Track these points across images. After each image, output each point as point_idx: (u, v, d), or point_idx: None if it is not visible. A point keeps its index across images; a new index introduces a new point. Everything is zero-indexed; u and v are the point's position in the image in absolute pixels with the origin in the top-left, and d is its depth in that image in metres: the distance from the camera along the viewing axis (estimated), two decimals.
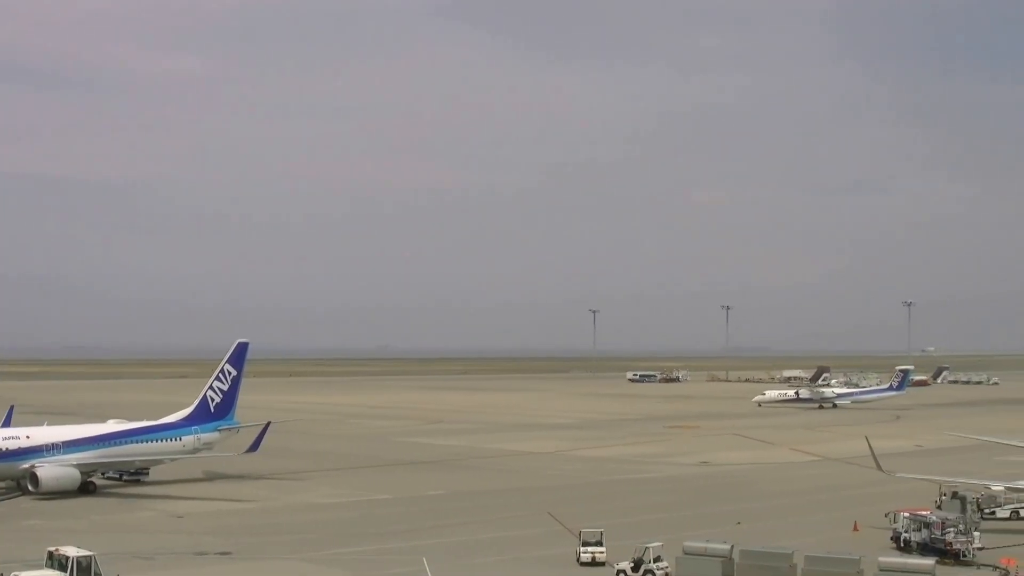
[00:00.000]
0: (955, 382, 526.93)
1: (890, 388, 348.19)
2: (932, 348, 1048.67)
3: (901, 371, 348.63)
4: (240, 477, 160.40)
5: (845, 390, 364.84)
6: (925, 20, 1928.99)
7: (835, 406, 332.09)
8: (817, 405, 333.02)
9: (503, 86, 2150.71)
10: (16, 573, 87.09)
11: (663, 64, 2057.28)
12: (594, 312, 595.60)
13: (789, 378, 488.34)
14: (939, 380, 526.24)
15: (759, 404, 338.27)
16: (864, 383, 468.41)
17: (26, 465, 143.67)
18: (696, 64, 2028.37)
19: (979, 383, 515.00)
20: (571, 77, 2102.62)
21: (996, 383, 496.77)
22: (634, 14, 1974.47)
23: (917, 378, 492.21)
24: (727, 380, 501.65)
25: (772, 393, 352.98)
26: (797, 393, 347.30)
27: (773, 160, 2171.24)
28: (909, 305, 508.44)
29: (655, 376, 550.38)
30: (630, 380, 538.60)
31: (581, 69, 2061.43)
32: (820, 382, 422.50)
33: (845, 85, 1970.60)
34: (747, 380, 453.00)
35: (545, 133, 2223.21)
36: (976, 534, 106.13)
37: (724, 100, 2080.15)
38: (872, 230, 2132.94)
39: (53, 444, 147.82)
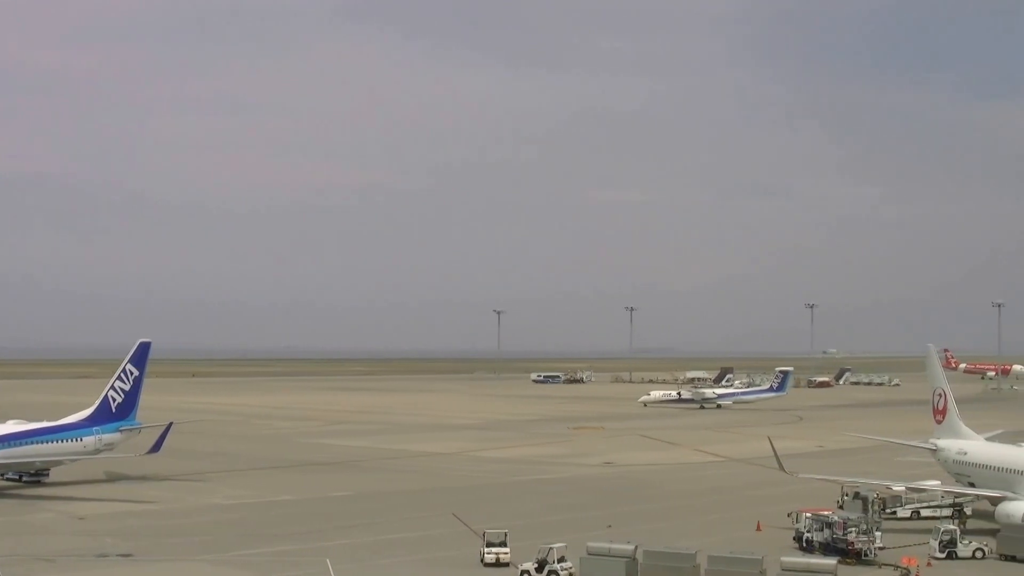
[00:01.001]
0: (857, 383, 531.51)
1: (771, 389, 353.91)
2: (834, 350, 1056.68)
3: (781, 372, 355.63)
4: (142, 478, 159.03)
5: (726, 391, 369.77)
6: (827, 24, 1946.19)
7: (719, 407, 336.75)
8: (699, 405, 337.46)
9: (408, 87, 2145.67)
10: None
11: (568, 66, 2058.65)
12: (498, 313, 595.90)
13: (693, 379, 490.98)
14: (841, 381, 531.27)
15: (645, 404, 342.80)
16: (767, 383, 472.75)
17: None
18: (600, 66, 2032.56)
19: (881, 384, 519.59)
20: (476, 78, 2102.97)
21: (898, 384, 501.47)
22: (538, 16, 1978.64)
23: (819, 379, 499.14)
24: (631, 381, 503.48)
25: (656, 393, 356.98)
26: (679, 394, 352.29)
27: (677, 162, 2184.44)
28: (812, 307, 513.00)
29: (559, 377, 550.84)
30: (534, 381, 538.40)
31: (486, 70, 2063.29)
32: (724, 382, 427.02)
33: (748, 88, 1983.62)
34: (651, 381, 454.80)
35: (449, 133, 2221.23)
36: (878, 534, 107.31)
37: (628, 102, 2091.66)
38: (776, 232, 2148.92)
39: None
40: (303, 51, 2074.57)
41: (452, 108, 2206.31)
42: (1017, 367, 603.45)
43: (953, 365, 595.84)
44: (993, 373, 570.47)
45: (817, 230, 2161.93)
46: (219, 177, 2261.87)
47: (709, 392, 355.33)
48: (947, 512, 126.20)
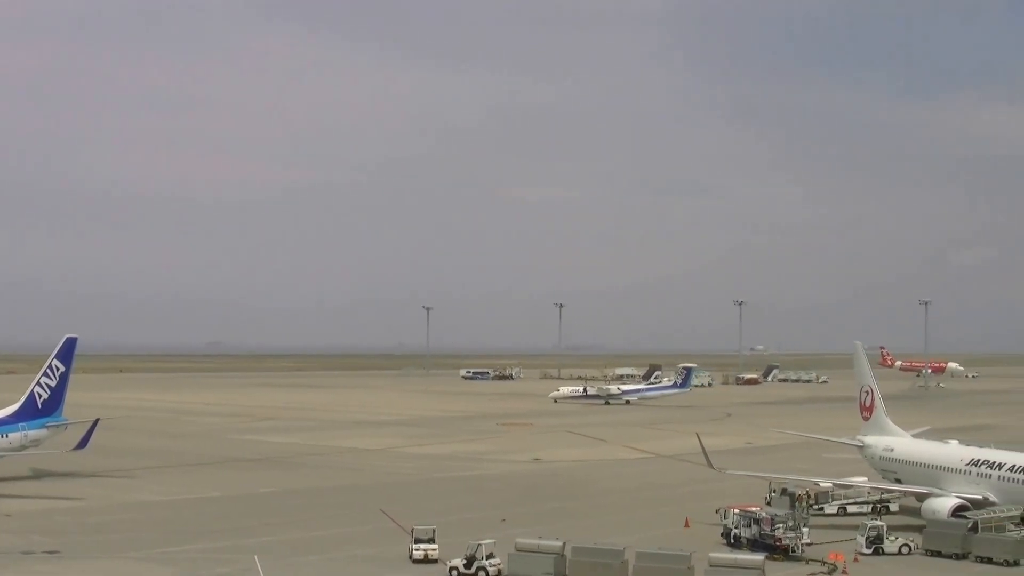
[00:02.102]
0: (785, 380, 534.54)
1: (674, 386, 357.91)
2: (761, 347, 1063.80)
3: (684, 369, 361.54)
4: (69, 475, 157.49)
5: (631, 387, 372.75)
6: (757, 23, 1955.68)
7: (628, 403, 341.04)
8: (604, 401, 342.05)
9: (329, 83, 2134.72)
10: None
11: (496, 62, 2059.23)
12: (428, 309, 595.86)
13: (621, 376, 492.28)
14: (769, 378, 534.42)
15: (555, 400, 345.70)
16: (696, 380, 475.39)
17: None
18: (528, 63, 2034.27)
19: (808, 381, 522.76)
20: (401, 74, 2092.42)
21: (826, 381, 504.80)
22: (465, 12, 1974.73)
23: (747, 376, 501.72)
24: (560, 378, 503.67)
25: (565, 390, 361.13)
26: (584, 390, 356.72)
27: (608, 160, 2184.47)
28: (740, 304, 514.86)
29: (488, 373, 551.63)
30: (463, 377, 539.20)
31: (411, 66, 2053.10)
32: (652, 379, 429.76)
33: (678, 87, 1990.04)
34: (579, 378, 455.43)
35: (375, 130, 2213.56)
36: (805, 530, 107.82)
37: (559, 99, 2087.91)
38: (705, 231, 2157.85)
39: None
40: (220, 47, 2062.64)
41: (378, 105, 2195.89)
42: (952, 365, 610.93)
43: (889, 363, 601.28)
44: (929, 371, 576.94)
45: (746, 229, 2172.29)
46: (146, 174, 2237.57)
47: (614, 388, 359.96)
48: (874, 508, 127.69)
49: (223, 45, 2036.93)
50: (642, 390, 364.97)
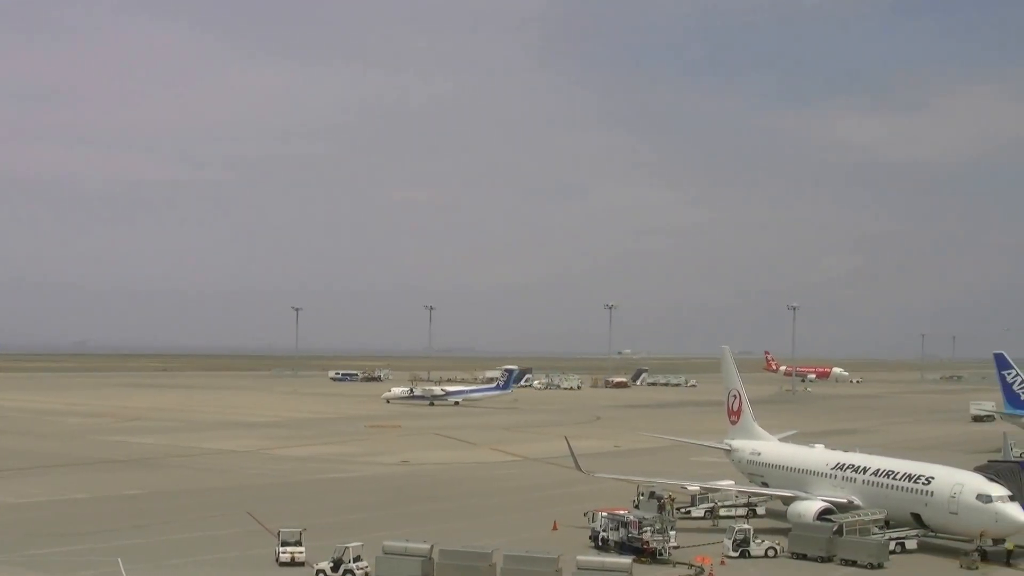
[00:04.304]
0: (654, 384, 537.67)
1: (497, 387, 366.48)
2: (628, 350, 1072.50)
3: (506, 370, 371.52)
4: None
5: (456, 388, 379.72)
6: (637, 29, 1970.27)
7: (457, 404, 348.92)
8: (429, 402, 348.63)
9: (203, 80, 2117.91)
10: None
11: (371, 62, 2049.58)
12: (297, 310, 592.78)
13: (491, 379, 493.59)
14: (638, 382, 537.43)
15: (387, 400, 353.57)
16: (566, 383, 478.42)
17: None
18: (405, 63, 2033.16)
19: (677, 385, 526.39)
20: (274, 72, 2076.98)
21: (694, 385, 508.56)
22: (340, 11, 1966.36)
23: (616, 379, 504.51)
24: (429, 380, 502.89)
25: (397, 391, 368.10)
26: (411, 391, 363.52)
27: (480, 162, 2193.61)
28: (610, 308, 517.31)
29: (357, 375, 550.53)
30: (332, 379, 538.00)
31: (285, 65, 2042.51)
32: (523, 382, 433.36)
33: (556, 90, 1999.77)
34: (449, 380, 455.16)
35: (246, 127, 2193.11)
36: (672, 533, 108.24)
37: (432, 101, 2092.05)
38: (578, 234, 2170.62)
39: None
40: (91, 40, 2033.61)
41: (249, 102, 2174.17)
42: (837, 370, 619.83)
43: (774, 368, 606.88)
44: (814, 376, 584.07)
45: (619, 232, 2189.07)
46: (16, 167, 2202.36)
47: (438, 389, 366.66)
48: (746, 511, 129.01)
49: (94, 37, 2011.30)
50: (467, 391, 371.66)
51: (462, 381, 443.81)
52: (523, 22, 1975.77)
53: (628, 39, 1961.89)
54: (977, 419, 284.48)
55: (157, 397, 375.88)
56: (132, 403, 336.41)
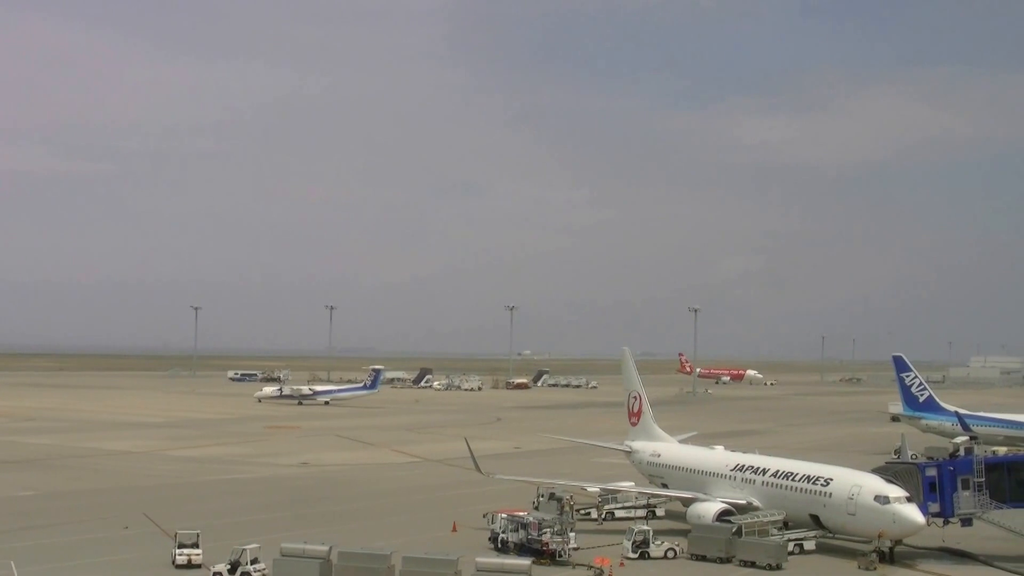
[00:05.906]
0: (555, 385, 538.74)
1: (363, 387, 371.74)
2: (528, 351, 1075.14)
3: (374, 370, 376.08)
4: None
5: (324, 388, 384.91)
6: (542, 27, 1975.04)
7: (327, 403, 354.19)
8: (297, 402, 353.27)
9: (95, 75, 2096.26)
10: None
11: (263, 56, 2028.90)
12: (196, 309, 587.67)
13: (392, 379, 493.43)
14: (539, 383, 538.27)
15: (259, 400, 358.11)
16: (466, 384, 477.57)
17: None
18: (299, 58, 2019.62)
19: (578, 387, 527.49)
20: (166, 65, 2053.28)
21: (595, 387, 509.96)
22: (241, 5, 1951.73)
23: (517, 381, 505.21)
24: (329, 380, 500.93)
25: (268, 390, 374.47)
26: (280, 390, 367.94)
27: (378, 158, 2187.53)
28: (511, 309, 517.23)
29: (256, 375, 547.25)
30: (231, 379, 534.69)
31: (176, 58, 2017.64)
32: (423, 383, 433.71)
33: (458, 86, 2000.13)
34: (349, 381, 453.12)
35: (143, 122, 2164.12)
36: (572, 534, 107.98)
37: (332, 95, 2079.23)
38: (480, 233, 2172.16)
39: None
40: None
41: (145, 96, 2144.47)
42: (751, 372, 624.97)
43: (688, 370, 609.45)
44: (727, 378, 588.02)
45: (521, 232, 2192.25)
46: None
47: (306, 389, 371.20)
48: (646, 513, 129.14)
49: None
50: (334, 391, 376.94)
51: (349, 381, 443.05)
52: (426, 16, 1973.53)
53: (532, 36, 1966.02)
54: (895, 419, 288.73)
55: (51, 397, 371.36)
56: (25, 403, 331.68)
